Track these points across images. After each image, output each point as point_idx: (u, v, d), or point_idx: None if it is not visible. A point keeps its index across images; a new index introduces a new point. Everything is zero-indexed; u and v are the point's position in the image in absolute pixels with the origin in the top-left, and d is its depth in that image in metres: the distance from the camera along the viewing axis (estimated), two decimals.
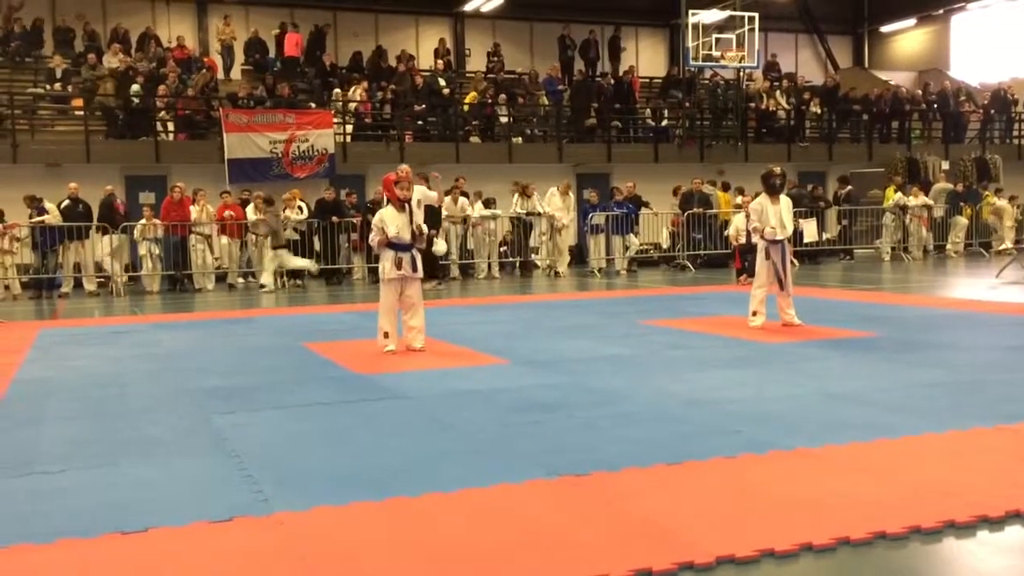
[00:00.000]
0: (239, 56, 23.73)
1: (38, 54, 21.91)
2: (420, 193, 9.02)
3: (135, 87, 19.37)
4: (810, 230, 18.49)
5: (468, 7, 26.22)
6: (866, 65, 31.83)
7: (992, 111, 26.56)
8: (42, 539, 3.59)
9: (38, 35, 22.08)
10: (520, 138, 22.46)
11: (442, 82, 22.88)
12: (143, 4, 24.46)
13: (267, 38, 23.69)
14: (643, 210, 19.35)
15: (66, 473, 4.60)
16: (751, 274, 10.48)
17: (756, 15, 22.67)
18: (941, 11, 30.00)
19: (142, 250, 16.18)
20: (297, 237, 16.81)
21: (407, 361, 7.87)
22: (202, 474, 4.56)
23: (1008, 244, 20.05)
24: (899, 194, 20.37)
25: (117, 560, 3.42)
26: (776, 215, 9.31)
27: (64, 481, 4.46)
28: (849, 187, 21.32)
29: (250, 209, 16.80)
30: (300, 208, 16.96)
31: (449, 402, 6.10)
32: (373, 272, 14.05)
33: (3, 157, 17.92)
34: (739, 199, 17.69)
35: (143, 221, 16.07)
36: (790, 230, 9.56)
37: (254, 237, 16.79)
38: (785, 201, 9.55)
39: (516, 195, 18.35)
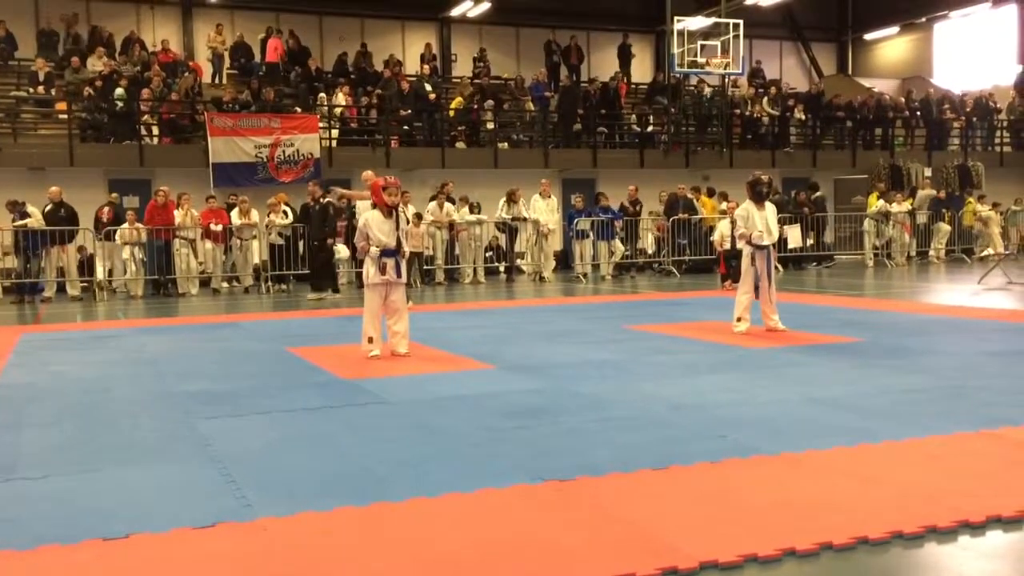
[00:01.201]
0: (227, 61, 23.69)
1: (20, 56, 21.78)
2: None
3: (119, 91, 19.29)
4: (794, 236, 18.58)
5: (454, 12, 26.24)
6: (850, 72, 32.04)
7: (974, 118, 26.77)
8: (23, 545, 3.56)
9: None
10: (506, 143, 22.48)
11: (428, 87, 22.88)
12: (127, 7, 24.37)
13: (252, 43, 23.64)
14: (642, 215, 19.45)
15: (48, 479, 4.57)
16: (736, 280, 10.52)
17: (741, 22, 22.80)
18: (924, 19, 30.26)
19: (125, 254, 16.10)
20: (282, 242, 16.77)
21: (392, 366, 7.85)
22: (185, 479, 4.54)
23: (991, 251, 20.21)
24: (882, 201, 20.47)
25: (99, 567, 3.40)
26: (762, 221, 9.38)
27: (46, 487, 4.43)
28: (818, 193, 21.15)
29: (235, 213, 16.75)
30: (285, 213, 16.94)
31: (434, 407, 6.09)
32: (357, 277, 14.01)
33: None
34: (724, 205, 17.75)
35: (125, 225, 15.99)
36: (776, 236, 9.64)
37: (239, 242, 16.73)
38: (770, 207, 9.63)
39: (502, 200, 18.37)
